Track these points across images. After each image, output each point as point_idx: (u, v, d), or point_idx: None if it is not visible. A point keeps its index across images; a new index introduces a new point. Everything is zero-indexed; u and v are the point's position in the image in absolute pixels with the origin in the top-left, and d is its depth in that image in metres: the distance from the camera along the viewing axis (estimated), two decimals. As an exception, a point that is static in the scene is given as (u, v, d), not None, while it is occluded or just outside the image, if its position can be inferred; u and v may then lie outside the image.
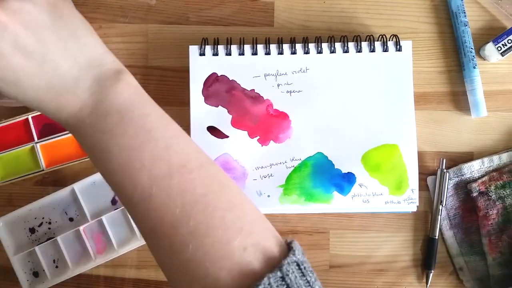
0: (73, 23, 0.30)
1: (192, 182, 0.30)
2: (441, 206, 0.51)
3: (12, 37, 0.27)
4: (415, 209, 0.50)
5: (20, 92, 0.29)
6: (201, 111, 0.50)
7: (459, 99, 0.53)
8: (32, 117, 0.51)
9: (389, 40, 0.50)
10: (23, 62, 0.28)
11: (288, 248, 0.30)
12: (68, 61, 0.29)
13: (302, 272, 0.29)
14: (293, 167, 0.50)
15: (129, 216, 0.32)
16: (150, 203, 0.29)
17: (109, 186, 0.31)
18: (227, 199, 0.31)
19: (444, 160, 0.52)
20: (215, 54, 0.50)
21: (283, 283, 0.27)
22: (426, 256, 0.52)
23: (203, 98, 0.50)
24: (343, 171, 0.50)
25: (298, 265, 0.29)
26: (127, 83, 0.31)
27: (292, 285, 0.27)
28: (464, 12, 0.52)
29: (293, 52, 0.50)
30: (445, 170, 0.51)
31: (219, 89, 0.50)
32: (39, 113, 0.51)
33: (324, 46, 0.50)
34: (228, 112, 0.50)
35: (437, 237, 0.51)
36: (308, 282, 0.29)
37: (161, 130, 0.31)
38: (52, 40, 0.29)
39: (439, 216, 0.51)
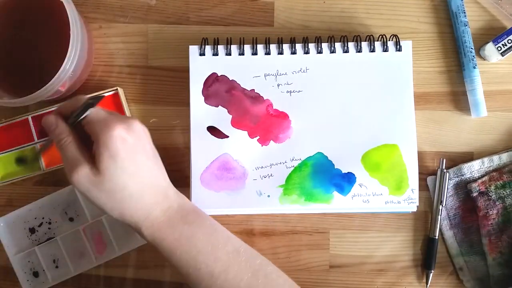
0: (157, 152, 0.43)
1: (252, 257, 0.42)
2: (441, 206, 0.51)
3: (144, 145, 0.41)
4: (415, 209, 0.50)
5: (131, 183, 0.39)
6: (201, 111, 0.50)
7: (459, 99, 0.53)
8: (32, 117, 0.51)
9: (389, 40, 0.50)
10: (145, 161, 0.40)
11: None
12: (163, 174, 0.43)
13: None
14: (293, 167, 0.50)
15: None
16: (229, 274, 0.40)
17: (189, 270, 0.41)
18: (277, 271, 0.43)
19: (444, 160, 0.52)
20: (215, 54, 0.50)
21: None
22: (426, 256, 0.52)
23: (203, 98, 0.50)
24: (343, 171, 0.50)
25: None
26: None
27: None
28: (464, 12, 0.52)
29: (293, 52, 0.50)
30: (445, 170, 0.51)
31: (219, 89, 0.50)
32: (38, 113, 0.51)
33: (324, 46, 0.50)
34: (228, 112, 0.50)
35: (437, 237, 0.51)
36: None
37: (219, 225, 0.44)
38: (157, 157, 0.43)
39: (439, 216, 0.51)
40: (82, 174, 0.38)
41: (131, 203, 0.40)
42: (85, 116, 0.40)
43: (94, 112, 0.40)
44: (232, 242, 0.43)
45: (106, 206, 0.39)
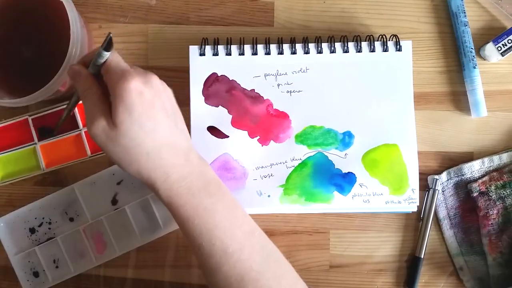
0: (180, 113, 0.41)
1: (265, 238, 0.41)
2: (429, 225, 0.51)
3: (162, 101, 0.38)
4: (415, 209, 0.50)
5: (148, 140, 0.37)
6: (201, 111, 0.50)
7: (459, 99, 0.53)
8: (31, 117, 0.51)
9: (389, 40, 0.50)
10: (164, 118, 0.38)
11: None
12: (186, 135, 0.40)
13: None
14: (293, 167, 0.50)
15: (208, 273, 0.41)
16: (243, 254, 0.39)
17: (203, 243, 0.39)
18: (285, 260, 0.42)
19: (437, 181, 0.51)
20: (215, 54, 0.50)
21: None
22: (409, 275, 0.52)
23: (203, 98, 0.50)
24: (343, 171, 0.50)
25: None
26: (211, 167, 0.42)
27: None
28: (464, 12, 0.52)
29: (293, 52, 0.50)
30: (437, 189, 0.51)
31: (219, 89, 0.50)
32: (38, 114, 0.51)
33: (324, 46, 0.50)
34: (228, 112, 0.50)
35: (422, 257, 0.51)
36: None
37: (238, 203, 0.42)
38: (178, 116, 0.40)
39: (427, 235, 0.51)
40: (99, 128, 0.36)
41: (149, 161, 0.37)
42: (103, 63, 0.37)
43: (113, 61, 0.37)
44: (249, 222, 0.41)
45: (122, 161, 0.37)
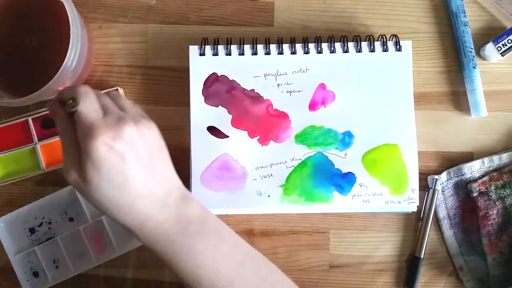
0: (166, 155, 0.39)
1: (258, 267, 0.41)
2: (429, 225, 0.51)
3: (137, 151, 0.36)
4: (415, 209, 0.50)
5: (118, 195, 0.35)
6: (201, 111, 0.50)
7: (459, 99, 0.53)
8: (32, 118, 0.51)
9: (389, 40, 0.50)
10: (137, 170, 0.36)
11: None
12: (164, 181, 0.38)
13: None
14: (293, 167, 0.50)
15: None
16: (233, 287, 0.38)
17: (191, 283, 0.38)
18: (284, 278, 0.42)
19: (437, 181, 0.51)
20: (215, 54, 0.50)
21: None
22: (409, 275, 0.52)
23: (203, 98, 0.50)
24: (343, 171, 0.50)
25: None
26: (196, 200, 0.40)
27: None
28: (464, 12, 0.52)
29: (293, 52, 0.50)
30: (437, 189, 0.51)
31: (219, 89, 0.50)
32: (38, 114, 0.51)
33: (324, 46, 0.50)
34: (228, 112, 0.50)
35: (422, 257, 0.51)
36: None
37: (226, 230, 0.40)
38: (158, 162, 0.38)
39: (427, 235, 0.51)
40: (72, 178, 0.36)
41: (121, 213, 0.36)
42: (74, 111, 0.36)
43: (82, 113, 0.35)
44: (238, 252, 0.40)
45: (99, 209, 0.37)
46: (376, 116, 0.50)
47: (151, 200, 0.37)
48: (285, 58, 0.50)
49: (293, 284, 0.42)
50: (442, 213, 0.52)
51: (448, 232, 0.52)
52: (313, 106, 0.50)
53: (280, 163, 0.50)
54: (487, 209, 0.51)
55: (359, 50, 0.50)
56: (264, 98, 0.50)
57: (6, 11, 0.49)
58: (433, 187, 0.51)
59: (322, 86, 0.50)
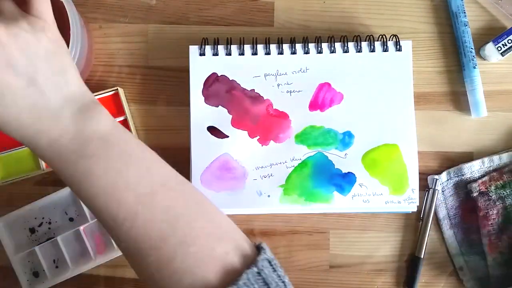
0: (63, 61, 0.34)
1: (174, 198, 0.34)
2: (429, 225, 0.51)
3: (7, 55, 0.30)
4: (415, 209, 0.50)
5: (1, 109, 0.31)
6: (201, 111, 0.50)
7: (459, 99, 0.53)
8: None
9: (389, 40, 0.50)
10: (11, 79, 0.31)
11: (258, 249, 0.35)
12: (54, 91, 0.33)
13: (273, 268, 0.33)
14: (293, 167, 0.50)
15: (112, 239, 0.36)
16: (137, 221, 0.32)
17: (91, 210, 0.33)
18: (205, 212, 0.35)
19: (437, 181, 0.51)
20: (215, 54, 0.50)
21: (260, 277, 0.32)
22: (409, 275, 0.52)
23: (203, 98, 0.50)
24: (343, 171, 0.50)
25: (269, 261, 0.33)
26: (106, 115, 0.34)
27: (267, 278, 0.32)
28: (464, 12, 0.52)
29: (293, 52, 0.50)
30: (437, 189, 0.51)
31: (219, 89, 0.50)
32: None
33: (324, 46, 0.50)
34: (228, 112, 0.50)
35: (422, 257, 0.51)
36: (278, 276, 0.33)
37: (140, 154, 0.34)
38: (42, 69, 0.32)
39: (427, 235, 0.51)
40: None
41: (12, 130, 0.32)
42: None
43: None
44: (151, 179, 0.34)
45: None
46: (376, 116, 0.50)
47: (38, 114, 0.32)
48: (285, 58, 0.50)
49: (237, 230, 0.36)
50: (442, 213, 0.52)
51: (448, 232, 0.52)
52: (313, 106, 0.50)
53: (280, 163, 0.50)
54: (487, 209, 0.51)
55: (359, 50, 0.50)
56: (264, 98, 0.50)
57: (6, 11, 0.48)
58: (433, 187, 0.51)
59: (323, 85, 0.50)
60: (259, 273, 0.32)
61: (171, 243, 0.32)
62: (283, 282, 0.33)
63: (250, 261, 0.33)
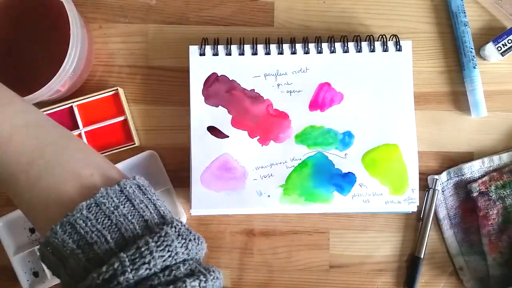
0: None
1: (45, 131, 0.37)
2: (429, 225, 0.51)
3: None
4: (415, 209, 0.50)
5: None
6: (201, 111, 0.50)
7: (459, 99, 0.53)
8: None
9: (389, 40, 0.50)
10: None
11: (133, 179, 0.36)
12: None
13: (143, 191, 0.35)
14: (293, 167, 0.50)
15: None
16: (10, 146, 0.35)
17: None
18: (75, 145, 0.38)
19: (437, 181, 0.51)
20: (215, 54, 0.50)
21: (122, 194, 0.34)
22: (409, 275, 0.52)
23: (203, 98, 0.50)
24: (343, 171, 0.50)
25: (138, 186, 0.35)
26: None
27: (130, 195, 0.34)
28: (464, 12, 0.52)
29: (293, 52, 0.50)
30: (437, 189, 0.51)
31: (219, 89, 0.50)
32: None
33: (324, 46, 0.50)
34: (228, 112, 0.50)
35: (422, 257, 0.51)
36: (148, 197, 0.35)
37: (20, 101, 0.38)
38: None
39: (427, 235, 0.51)
40: None
41: None
42: None
43: None
44: (26, 116, 0.37)
45: None
46: (376, 116, 0.50)
47: None
48: (285, 58, 0.50)
49: (108, 162, 0.38)
50: (442, 213, 0.52)
51: (448, 232, 0.52)
52: (313, 106, 0.50)
53: (280, 163, 0.50)
54: (487, 209, 0.51)
55: (359, 50, 0.50)
56: (264, 98, 0.50)
57: (7, 11, 0.49)
58: (433, 187, 0.51)
59: (323, 85, 0.50)
60: (121, 191, 0.34)
61: (38, 164, 0.35)
62: (150, 200, 0.34)
63: (114, 183, 0.35)
